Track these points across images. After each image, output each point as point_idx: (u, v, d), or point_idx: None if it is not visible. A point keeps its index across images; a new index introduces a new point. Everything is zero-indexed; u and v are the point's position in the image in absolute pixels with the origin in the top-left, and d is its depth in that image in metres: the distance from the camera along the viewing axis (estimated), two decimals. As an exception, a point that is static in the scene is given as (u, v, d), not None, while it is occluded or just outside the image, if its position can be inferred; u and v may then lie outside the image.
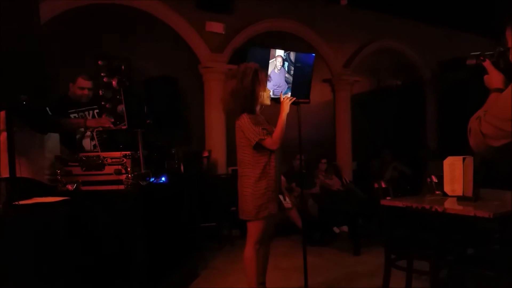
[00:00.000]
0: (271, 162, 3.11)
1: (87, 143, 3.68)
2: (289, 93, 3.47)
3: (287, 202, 3.30)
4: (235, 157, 3.23)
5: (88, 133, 3.61)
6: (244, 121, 3.06)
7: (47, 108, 3.36)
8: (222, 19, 6.39)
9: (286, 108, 3.12)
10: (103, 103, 3.81)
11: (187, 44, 6.27)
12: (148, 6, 5.87)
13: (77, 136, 3.64)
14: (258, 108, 3.16)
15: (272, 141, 3.05)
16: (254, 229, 3.13)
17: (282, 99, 3.21)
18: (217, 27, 6.37)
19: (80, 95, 3.91)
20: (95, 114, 3.98)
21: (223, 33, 6.43)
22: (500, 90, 1.69)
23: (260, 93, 3.11)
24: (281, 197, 3.21)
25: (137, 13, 5.80)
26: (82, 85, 3.90)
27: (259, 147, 3.06)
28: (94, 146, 3.64)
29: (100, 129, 3.56)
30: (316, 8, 7.35)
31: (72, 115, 3.86)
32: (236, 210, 3.22)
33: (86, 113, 3.97)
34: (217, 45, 6.38)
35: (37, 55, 2.39)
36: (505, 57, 1.76)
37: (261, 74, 3.14)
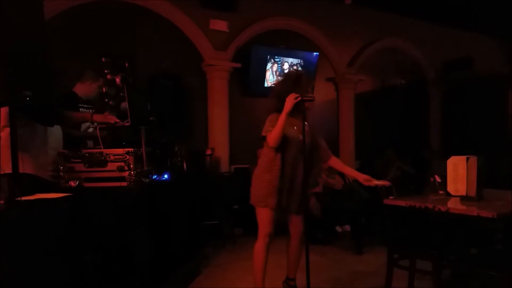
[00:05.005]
0: (276, 160, 3.16)
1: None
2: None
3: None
4: (238, 155, 3.24)
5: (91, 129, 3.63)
6: (268, 118, 3.18)
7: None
8: (226, 17, 6.39)
9: (288, 106, 3.06)
10: (106, 100, 3.82)
11: (190, 42, 6.27)
12: (152, 4, 5.88)
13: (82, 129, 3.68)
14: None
15: (268, 139, 3.11)
16: (259, 218, 3.24)
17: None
18: (221, 25, 6.37)
19: (91, 90, 3.96)
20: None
21: (227, 31, 6.43)
22: None
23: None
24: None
25: (141, 10, 5.81)
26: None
27: None
28: (97, 142, 3.65)
29: (103, 126, 3.57)
30: (320, 6, 7.34)
31: (80, 110, 3.89)
32: (239, 208, 3.23)
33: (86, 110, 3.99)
34: (220, 43, 6.38)
35: (41, 51, 2.39)
36: None
37: (305, 77, 3.24)
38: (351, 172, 3.45)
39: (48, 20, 4.52)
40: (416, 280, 3.43)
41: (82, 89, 3.95)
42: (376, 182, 3.19)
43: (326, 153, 3.43)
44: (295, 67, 6.99)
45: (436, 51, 8.89)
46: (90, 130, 3.71)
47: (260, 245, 3.23)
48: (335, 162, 3.49)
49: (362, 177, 3.25)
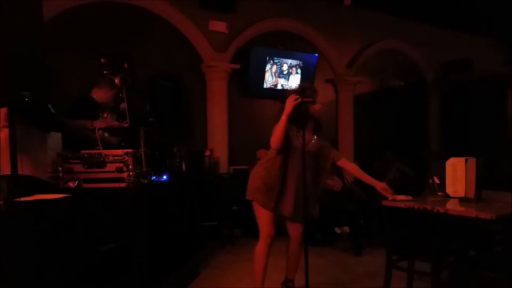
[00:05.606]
0: (275, 161, 3.19)
1: None
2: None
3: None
4: (237, 157, 3.24)
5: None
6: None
7: (49, 107, 3.36)
8: (225, 18, 6.40)
9: (288, 108, 3.05)
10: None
11: (190, 43, 6.27)
12: (152, 5, 5.88)
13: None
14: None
15: (270, 139, 3.11)
16: (258, 219, 3.23)
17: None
18: (220, 26, 6.37)
19: (107, 97, 3.97)
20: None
21: (226, 32, 6.43)
22: None
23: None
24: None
25: (140, 11, 5.81)
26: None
27: None
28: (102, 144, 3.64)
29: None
30: (319, 8, 7.35)
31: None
32: (238, 209, 3.23)
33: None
34: (220, 44, 6.38)
35: (40, 52, 2.39)
36: None
37: (309, 90, 3.34)
38: (369, 180, 3.33)
39: (48, 20, 4.53)
40: (415, 281, 3.43)
41: (99, 94, 3.95)
42: (399, 197, 3.12)
43: (337, 159, 3.42)
44: (294, 68, 7.01)
45: (435, 52, 8.90)
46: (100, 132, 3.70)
47: (261, 246, 3.23)
48: (354, 169, 3.50)
49: (380, 186, 3.20)
